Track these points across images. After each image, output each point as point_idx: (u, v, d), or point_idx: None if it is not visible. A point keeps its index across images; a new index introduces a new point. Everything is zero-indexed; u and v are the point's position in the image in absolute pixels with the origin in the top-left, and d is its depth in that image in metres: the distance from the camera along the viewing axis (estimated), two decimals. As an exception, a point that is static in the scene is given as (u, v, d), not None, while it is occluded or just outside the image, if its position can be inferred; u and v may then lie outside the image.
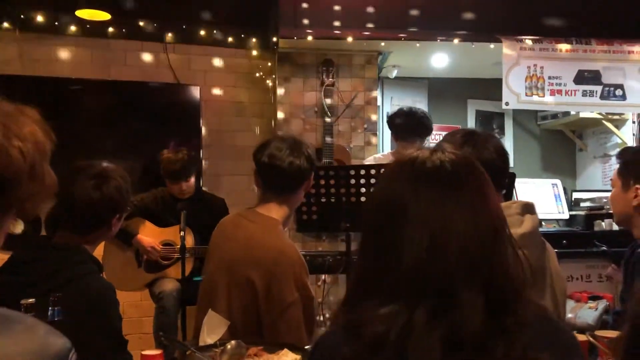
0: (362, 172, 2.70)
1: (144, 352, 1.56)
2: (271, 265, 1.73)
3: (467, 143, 1.74)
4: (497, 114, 4.95)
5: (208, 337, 1.74)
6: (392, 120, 3.51)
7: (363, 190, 2.69)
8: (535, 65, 3.63)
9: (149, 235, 3.46)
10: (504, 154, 1.78)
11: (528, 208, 1.76)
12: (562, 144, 5.08)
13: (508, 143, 5.01)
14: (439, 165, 0.96)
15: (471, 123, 4.95)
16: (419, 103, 4.72)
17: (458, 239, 0.90)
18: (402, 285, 0.89)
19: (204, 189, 4.07)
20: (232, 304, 1.76)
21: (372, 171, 2.70)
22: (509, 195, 3.25)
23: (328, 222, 2.71)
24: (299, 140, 1.96)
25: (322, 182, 2.66)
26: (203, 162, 4.19)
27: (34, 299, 1.38)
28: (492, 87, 4.60)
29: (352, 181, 2.69)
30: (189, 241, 3.34)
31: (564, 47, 3.69)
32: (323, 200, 2.67)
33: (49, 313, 1.43)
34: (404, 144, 3.44)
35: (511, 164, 4.86)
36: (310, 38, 3.65)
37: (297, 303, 1.73)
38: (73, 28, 3.96)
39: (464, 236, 0.91)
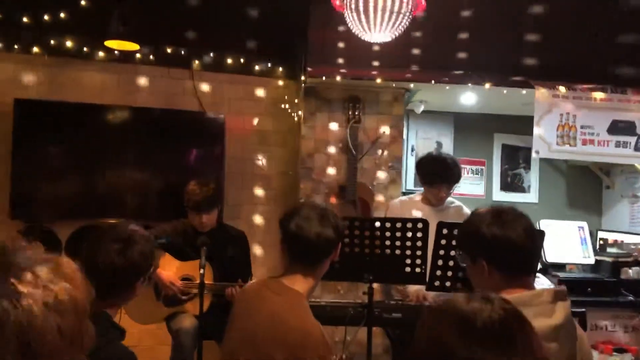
0: (388, 224, 2.66)
1: None
2: (296, 346, 1.70)
3: (494, 224, 1.69)
4: (523, 148, 4.87)
5: (229, 419, 1.71)
6: (419, 164, 3.45)
7: (387, 242, 2.65)
8: (568, 113, 3.54)
9: (169, 268, 3.45)
10: (533, 234, 1.72)
11: (559, 295, 1.70)
12: (589, 181, 4.98)
13: (534, 177, 4.94)
14: (490, 323, 0.95)
15: (497, 156, 4.88)
16: (445, 137, 4.66)
17: None
18: None
19: (223, 219, 4.06)
20: (254, 383, 1.73)
21: (398, 224, 2.66)
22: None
23: (351, 272, 2.66)
24: (326, 209, 1.93)
25: (346, 232, 2.62)
26: (225, 190, 4.17)
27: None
28: (519, 122, 4.53)
29: (377, 233, 2.66)
30: (208, 277, 3.32)
31: (598, 95, 3.60)
32: (346, 250, 2.63)
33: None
34: (430, 189, 3.39)
35: (536, 199, 4.89)
36: (338, 78, 3.61)
37: (321, 384, 1.69)
38: (101, 54, 3.97)
39: None
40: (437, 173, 3.33)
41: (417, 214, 3.28)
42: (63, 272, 0.85)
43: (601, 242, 4.46)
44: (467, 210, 3.44)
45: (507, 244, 1.66)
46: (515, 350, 0.93)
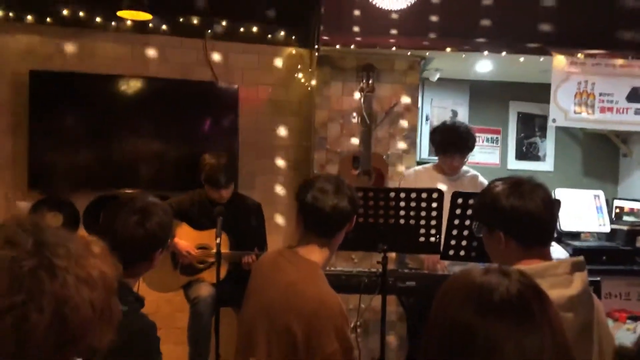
0: (402, 194, 2.67)
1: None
2: (312, 316, 1.72)
3: (512, 195, 1.69)
4: (539, 117, 4.80)
5: (248, 387, 1.75)
6: (433, 133, 3.44)
7: (402, 212, 2.66)
8: (586, 81, 3.48)
9: (186, 238, 3.50)
10: (551, 205, 1.72)
11: (577, 266, 1.70)
12: (606, 149, 4.92)
13: (549, 146, 4.89)
14: (507, 297, 0.95)
15: (513, 125, 4.82)
16: (460, 105, 4.61)
17: None
18: None
19: (238, 190, 4.08)
20: (272, 352, 1.76)
21: (413, 194, 2.66)
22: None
23: (365, 241, 2.68)
24: (342, 181, 1.94)
25: (361, 202, 2.63)
26: (239, 160, 4.18)
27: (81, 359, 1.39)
28: (535, 89, 4.46)
29: (391, 203, 2.66)
30: (224, 246, 3.37)
31: (618, 62, 3.52)
32: (361, 220, 2.64)
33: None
34: (443, 158, 3.38)
35: (551, 168, 4.86)
36: (353, 46, 3.56)
37: (337, 354, 1.71)
38: (114, 24, 3.95)
39: None
40: (451, 142, 3.32)
41: (431, 183, 3.28)
42: (93, 249, 0.87)
43: (617, 210, 4.43)
44: (483, 180, 3.44)
45: (525, 215, 1.66)
46: (533, 323, 0.93)
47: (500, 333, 0.91)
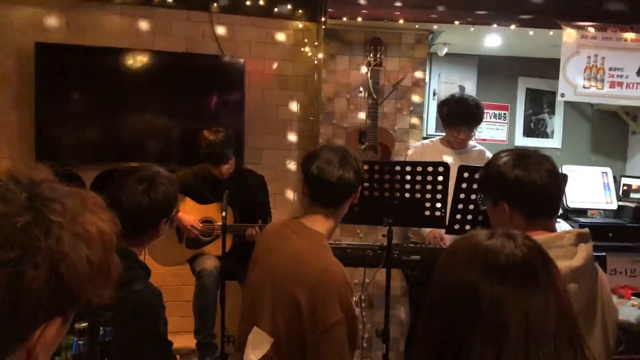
0: (408, 168, 2.66)
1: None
2: (316, 284, 1.73)
3: (518, 166, 1.68)
4: (548, 92, 4.75)
5: (252, 354, 1.76)
6: (442, 106, 3.41)
7: (407, 186, 2.65)
8: (596, 55, 3.42)
9: (190, 212, 3.51)
10: (556, 177, 1.71)
11: (582, 237, 1.70)
12: (615, 125, 4.87)
13: (558, 123, 4.84)
14: (512, 259, 0.95)
15: (521, 101, 4.78)
16: (468, 80, 4.57)
17: (528, 336, 0.91)
18: None
19: (245, 164, 4.08)
20: (276, 320, 1.77)
21: (419, 168, 2.65)
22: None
23: (370, 215, 2.68)
24: (348, 152, 1.93)
25: (367, 175, 2.62)
26: (245, 135, 4.18)
27: (86, 323, 1.40)
28: (544, 65, 4.41)
29: (397, 177, 2.66)
30: (229, 219, 3.38)
31: (629, 36, 3.46)
32: (366, 193, 2.64)
33: (100, 333, 1.45)
34: (449, 131, 3.36)
35: (559, 145, 4.82)
36: (360, 19, 3.52)
37: (341, 323, 1.72)
38: (119, -4, 3.92)
39: (535, 335, 0.91)
40: (459, 115, 3.30)
41: (438, 157, 3.26)
42: (89, 204, 0.85)
43: (625, 187, 4.40)
44: (489, 155, 3.42)
45: (530, 186, 1.65)
46: (537, 286, 0.94)
47: (505, 294, 0.92)
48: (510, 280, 0.93)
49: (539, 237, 1.60)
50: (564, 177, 2.72)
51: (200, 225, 3.49)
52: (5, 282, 0.73)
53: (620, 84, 3.50)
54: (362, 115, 3.89)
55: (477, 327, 0.91)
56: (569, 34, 3.46)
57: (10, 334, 0.76)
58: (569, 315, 0.96)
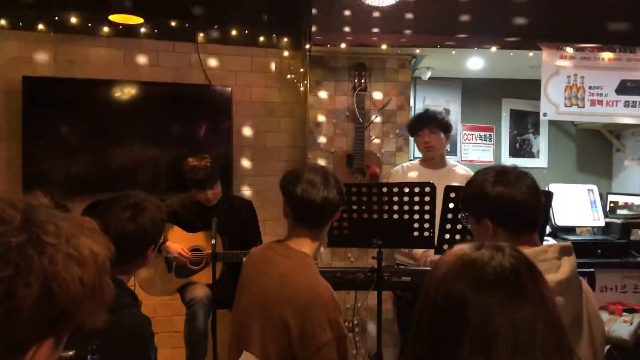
0: (395, 189, 2.68)
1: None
2: (304, 305, 1.73)
3: (498, 183, 1.71)
4: (532, 113, 4.83)
5: (242, 379, 1.75)
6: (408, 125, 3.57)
7: (395, 207, 2.67)
8: (575, 75, 3.50)
9: (178, 240, 3.50)
10: (536, 193, 1.74)
11: (565, 250, 1.72)
12: (599, 144, 4.95)
13: (543, 142, 4.91)
14: (500, 270, 0.96)
15: (505, 122, 4.85)
16: (453, 103, 4.64)
17: (516, 346, 0.92)
18: None
19: (235, 192, 4.09)
20: (266, 344, 1.76)
21: (406, 189, 2.67)
22: (546, 215, 3.19)
23: (359, 238, 2.69)
24: (328, 172, 1.95)
25: (354, 198, 2.64)
26: (234, 163, 4.19)
27: (73, 352, 1.40)
28: (527, 86, 4.49)
29: (385, 198, 2.67)
30: (218, 246, 3.37)
31: (606, 55, 3.55)
32: (354, 215, 2.65)
33: (88, 360, 1.45)
34: (417, 140, 3.47)
35: (545, 164, 4.88)
36: (344, 45, 3.59)
37: (331, 343, 1.72)
38: (106, 29, 3.96)
39: (523, 344, 0.92)
40: (416, 119, 3.43)
41: (419, 178, 3.30)
42: (84, 228, 0.86)
43: (611, 204, 4.45)
44: (471, 172, 3.46)
45: (511, 202, 1.68)
46: (525, 296, 0.94)
47: (493, 306, 0.93)
48: (498, 291, 0.94)
49: (524, 252, 1.62)
50: (549, 195, 2.75)
51: (188, 253, 3.48)
52: None
53: (600, 102, 3.58)
54: (349, 139, 3.93)
55: (466, 337, 0.91)
56: (548, 55, 3.54)
57: (2, 355, 0.76)
58: (557, 325, 0.96)
